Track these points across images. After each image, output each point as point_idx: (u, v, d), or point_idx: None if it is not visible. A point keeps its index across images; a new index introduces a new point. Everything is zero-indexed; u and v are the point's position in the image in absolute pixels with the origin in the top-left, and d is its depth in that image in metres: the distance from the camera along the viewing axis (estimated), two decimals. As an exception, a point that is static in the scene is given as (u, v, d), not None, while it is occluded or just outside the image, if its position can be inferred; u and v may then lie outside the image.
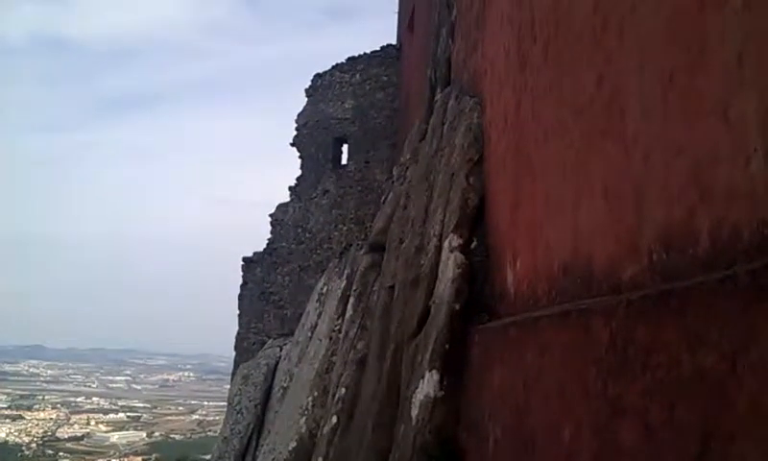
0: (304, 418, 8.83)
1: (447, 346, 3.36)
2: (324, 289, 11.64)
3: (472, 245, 3.83)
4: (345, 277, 9.33)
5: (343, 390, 5.48)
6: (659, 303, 1.70)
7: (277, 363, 15.06)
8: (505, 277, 3.43)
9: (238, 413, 15.19)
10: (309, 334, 11.49)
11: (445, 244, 3.83)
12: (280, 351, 15.37)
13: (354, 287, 6.76)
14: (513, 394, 2.57)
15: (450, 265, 3.63)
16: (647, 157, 1.98)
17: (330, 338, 9.08)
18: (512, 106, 3.31)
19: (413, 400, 3.42)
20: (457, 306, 3.55)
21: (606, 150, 2.26)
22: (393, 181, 7.21)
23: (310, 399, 8.90)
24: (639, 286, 1.91)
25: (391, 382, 4.16)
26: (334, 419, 5.50)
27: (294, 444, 8.80)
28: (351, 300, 6.67)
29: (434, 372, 3.34)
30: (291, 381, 12.30)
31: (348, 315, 6.63)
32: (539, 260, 2.71)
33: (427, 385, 3.34)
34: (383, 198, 7.63)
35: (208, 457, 26.03)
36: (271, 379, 14.91)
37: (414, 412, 3.34)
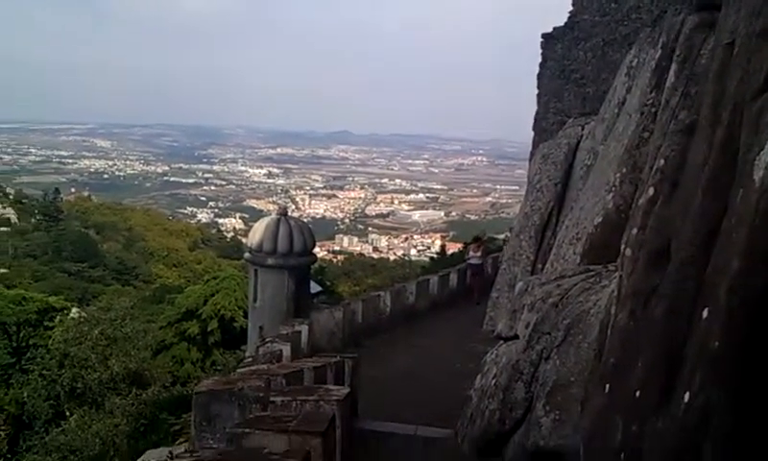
0: (611, 194, 8.70)
1: (805, 101, 2.93)
2: (635, 62, 10.86)
3: None
4: (660, 45, 8.55)
5: (662, 161, 5.18)
6: None
7: (579, 142, 14.79)
8: None
9: (538, 191, 15.46)
10: (616, 110, 10.98)
11: (810, -18, 3.24)
12: (582, 129, 15.02)
13: (677, 53, 6.16)
14: None
15: (816, 7, 3.08)
16: None
17: (642, 113, 8.60)
18: None
19: (756, 162, 3.10)
20: (822, 55, 3.03)
21: None
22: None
23: (618, 175, 8.68)
24: None
25: (726, 147, 3.81)
26: (651, 190, 5.26)
27: (599, 219, 8.79)
28: (673, 66, 6.11)
29: (785, 131, 2.97)
30: (595, 159, 12.07)
31: (668, 83, 6.12)
32: None
33: (776, 146, 2.99)
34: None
35: (502, 236, 27.28)
36: (572, 158, 14.78)
37: (757, 175, 3.04)
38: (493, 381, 6.91)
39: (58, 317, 34.23)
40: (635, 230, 5.23)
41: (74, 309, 37.05)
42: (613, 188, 8.60)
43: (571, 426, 5.58)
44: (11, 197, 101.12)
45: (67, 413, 22.91)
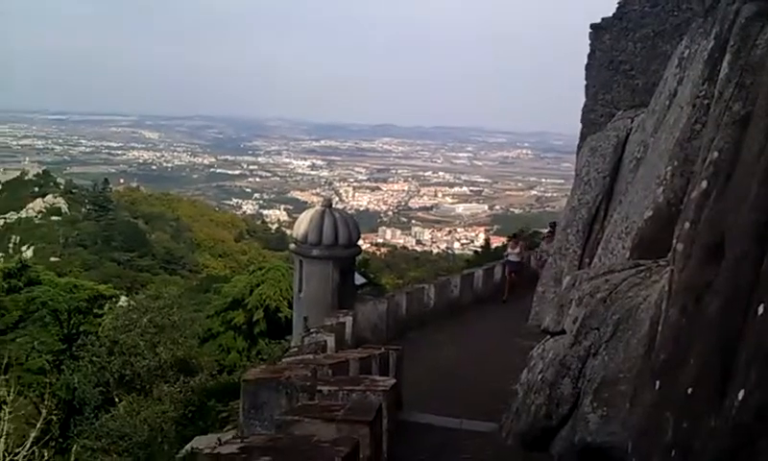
0: (662, 188, 8.53)
1: None
2: (686, 53, 10.61)
3: None
4: (713, 36, 8.35)
5: (715, 153, 5.09)
6: None
7: (628, 134, 14.53)
8: None
9: (586, 184, 15.25)
10: (667, 102, 10.75)
11: None
12: (631, 122, 14.75)
13: (731, 43, 6.01)
14: None
15: None
16: None
17: (694, 105, 8.41)
18: None
19: (815, 154, 3.03)
20: None
21: None
22: None
23: (669, 168, 8.51)
24: None
25: (783, 139, 3.73)
26: (704, 183, 5.17)
27: (650, 213, 8.64)
28: (727, 57, 5.97)
29: None
30: (645, 152, 11.85)
31: (722, 74, 5.99)
32: None
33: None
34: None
35: (545, 230, 26.97)
36: (621, 151, 14.53)
37: (817, 167, 2.97)
38: (540, 376, 6.87)
39: (107, 305, 35.10)
40: (687, 225, 5.16)
41: (123, 297, 37.95)
42: (664, 182, 8.42)
43: (619, 423, 5.53)
44: (61, 187, 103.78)
45: (116, 399, 23.43)
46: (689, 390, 3.76)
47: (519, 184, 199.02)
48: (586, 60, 18.26)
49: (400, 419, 8.12)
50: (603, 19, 17.71)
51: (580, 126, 18.66)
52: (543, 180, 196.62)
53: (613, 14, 17.38)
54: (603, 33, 17.52)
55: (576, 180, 16.35)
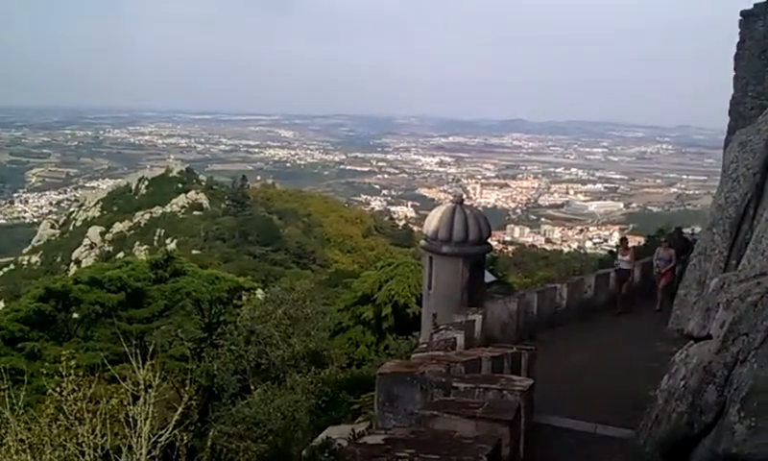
0: (821, 186, 7.93)
1: None
2: None
3: None
4: None
5: None
6: None
7: (780, 128, 13.57)
8: None
9: (734, 181, 14.36)
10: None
11: None
12: (786, 115, 13.77)
13: None
14: None
15: None
16: None
17: None
18: None
19: None
20: None
21: None
22: None
23: (830, 165, 7.89)
24: None
25: None
26: None
27: (807, 213, 8.04)
28: None
29: None
30: (802, 147, 11.03)
31: None
32: None
33: None
34: None
35: (689, 231, 25.55)
36: (773, 146, 13.59)
37: None
38: (682, 383, 6.59)
39: (245, 296, 36.67)
40: None
41: (259, 290, 39.58)
42: (824, 179, 7.83)
43: (769, 435, 5.22)
44: (203, 183, 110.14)
45: (252, 387, 24.40)
46: None
47: (658, 181, 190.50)
48: (735, 50, 17.24)
49: (534, 420, 8.03)
50: (755, 5, 16.62)
51: (727, 119, 17.61)
52: (685, 176, 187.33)
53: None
54: (755, 20, 16.43)
55: (723, 176, 15.43)
